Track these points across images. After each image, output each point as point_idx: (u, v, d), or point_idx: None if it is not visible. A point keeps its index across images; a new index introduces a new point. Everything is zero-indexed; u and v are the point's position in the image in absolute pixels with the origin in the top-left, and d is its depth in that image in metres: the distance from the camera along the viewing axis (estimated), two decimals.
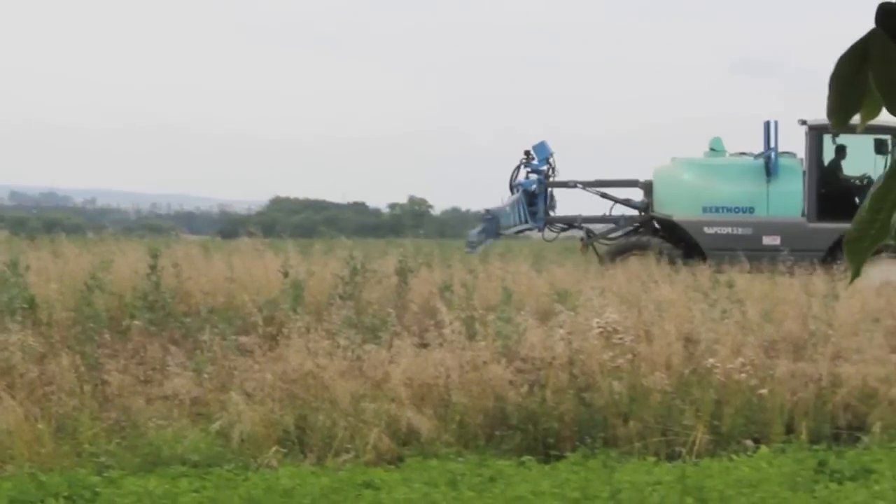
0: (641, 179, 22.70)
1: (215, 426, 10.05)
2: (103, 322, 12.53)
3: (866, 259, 1.95)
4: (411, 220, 54.44)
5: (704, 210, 21.51)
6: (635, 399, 10.72)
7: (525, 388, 10.85)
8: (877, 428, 10.75)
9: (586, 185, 22.58)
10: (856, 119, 1.96)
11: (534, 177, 22.62)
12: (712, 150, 22.61)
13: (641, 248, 21.07)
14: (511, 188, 22.74)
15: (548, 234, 22.64)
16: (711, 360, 11.20)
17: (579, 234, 23.04)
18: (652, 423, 10.52)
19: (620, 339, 11.38)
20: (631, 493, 8.59)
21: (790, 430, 10.81)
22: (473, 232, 22.88)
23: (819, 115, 1.97)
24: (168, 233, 26.66)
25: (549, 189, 22.69)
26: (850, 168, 21.76)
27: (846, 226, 1.96)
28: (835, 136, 21.28)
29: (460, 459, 9.80)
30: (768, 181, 21.48)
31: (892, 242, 1.95)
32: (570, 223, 22.76)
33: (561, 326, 11.77)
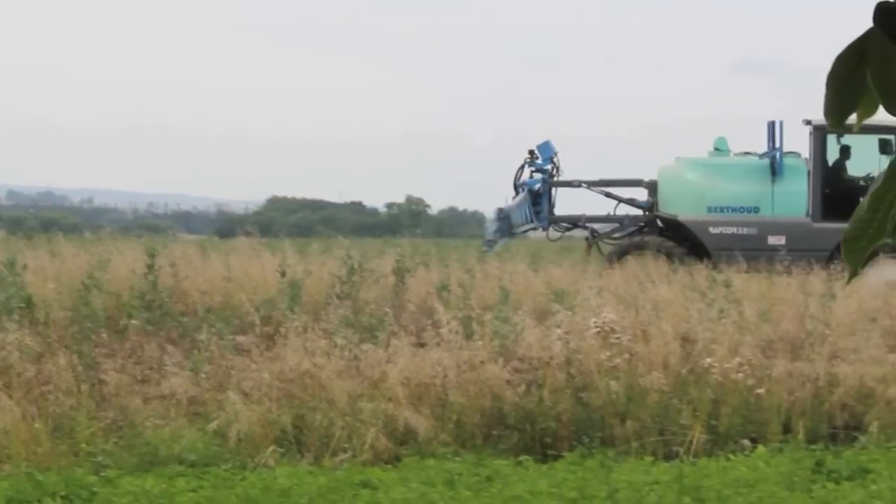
0: (646, 179, 22.70)
1: (212, 426, 10.05)
2: (100, 321, 12.52)
3: (864, 258, 1.96)
4: (408, 219, 54.40)
5: (709, 210, 21.50)
6: (632, 399, 10.73)
7: (522, 388, 10.85)
8: (874, 428, 10.75)
9: (590, 184, 22.57)
10: (852, 119, 1.96)
11: (538, 176, 22.61)
12: (717, 149, 22.59)
13: (646, 248, 21.05)
14: (515, 188, 22.73)
15: (552, 233, 22.63)
16: (709, 360, 11.20)
17: (583, 233, 23.01)
18: (649, 422, 10.53)
19: (618, 338, 11.38)
20: (628, 493, 8.59)
21: (787, 429, 10.82)
22: (490, 231, 22.88)
23: (821, 114, 1.97)
24: (165, 232, 26.59)
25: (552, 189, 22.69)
26: (855, 168, 21.74)
27: None
28: (839, 136, 21.28)
29: (457, 459, 9.80)
30: (773, 181, 21.49)
31: (889, 241, 1.94)
32: (574, 223, 22.74)
33: (558, 326, 11.77)
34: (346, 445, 10.01)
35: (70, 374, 10.59)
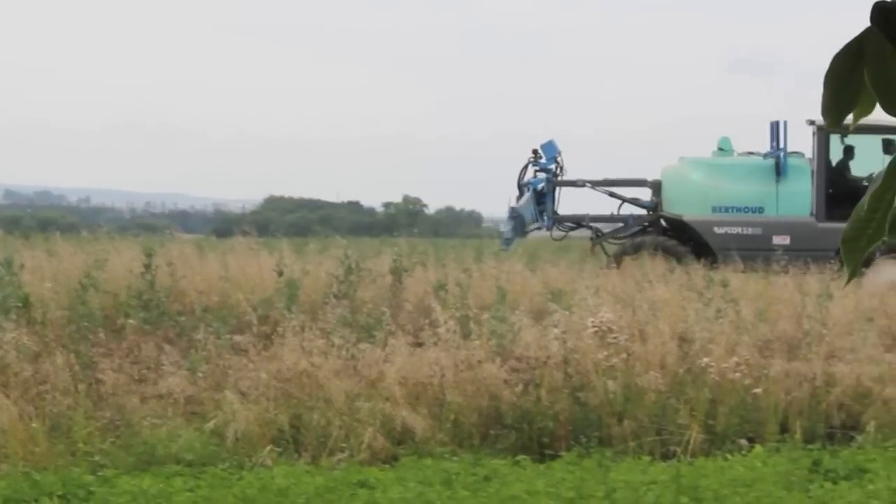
0: (650, 179, 22.71)
1: (210, 425, 10.05)
2: (98, 321, 12.53)
3: (863, 258, 1.96)
4: (406, 219, 54.43)
5: (714, 210, 21.51)
6: (630, 398, 10.73)
7: (520, 388, 10.85)
8: (871, 427, 10.76)
9: (595, 184, 22.57)
10: (849, 119, 1.96)
11: (542, 176, 22.60)
12: (720, 149, 22.60)
13: (651, 248, 21.05)
14: (519, 187, 22.72)
15: (556, 232, 22.63)
16: (706, 360, 11.20)
17: (586, 233, 23.01)
18: (646, 422, 10.53)
19: (615, 338, 11.39)
20: (626, 493, 8.59)
21: (784, 429, 10.82)
22: (507, 229, 22.88)
23: (819, 114, 1.97)
24: (162, 231, 26.61)
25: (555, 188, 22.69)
26: (859, 168, 21.75)
27: None
28: (843, 136, 21.29)
29: (455, 459, 9.79)
30: (778, 181, 21.50)
31: (886, 239, 1.94)
32: (578, 222, 22.74)
33: (555, 326, 11.78)
34: (344, 445, 10.01)
35: (67, 373, 10.59)
